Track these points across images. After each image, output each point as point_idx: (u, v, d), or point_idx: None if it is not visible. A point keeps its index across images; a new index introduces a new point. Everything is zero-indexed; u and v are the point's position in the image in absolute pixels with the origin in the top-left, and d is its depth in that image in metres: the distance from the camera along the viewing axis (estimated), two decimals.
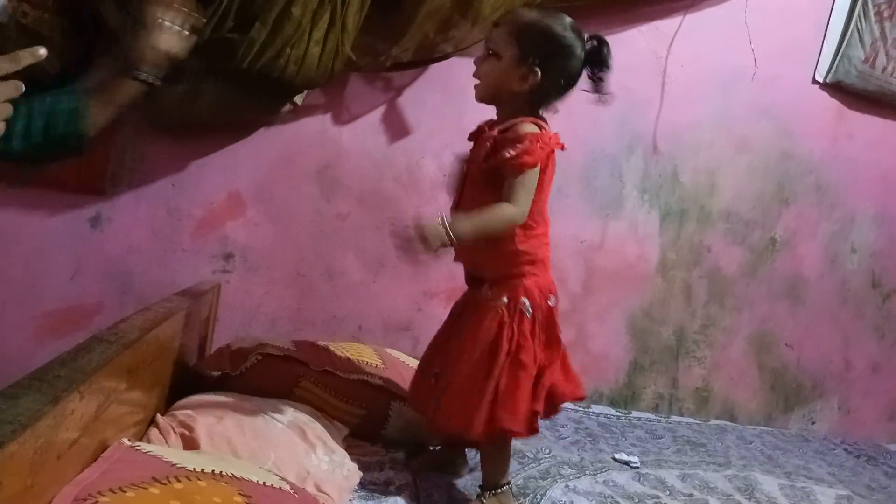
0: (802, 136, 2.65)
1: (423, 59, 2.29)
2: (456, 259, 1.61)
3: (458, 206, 1.55)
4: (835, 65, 2.57)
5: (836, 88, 2.63)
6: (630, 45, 2.47)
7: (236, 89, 2.06)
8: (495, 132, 1.47)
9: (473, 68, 1.51)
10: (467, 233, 1.36)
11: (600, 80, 1.50)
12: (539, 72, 1.43)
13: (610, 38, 2.37)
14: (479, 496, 1.51)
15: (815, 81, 2.62)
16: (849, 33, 2.55)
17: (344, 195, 2.36)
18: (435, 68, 2.32)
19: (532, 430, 1.48)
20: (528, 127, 1.45)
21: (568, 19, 1.47)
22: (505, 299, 1.48)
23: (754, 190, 2.65)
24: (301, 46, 1.93)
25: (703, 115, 2.57)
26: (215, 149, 2.27)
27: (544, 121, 1.51)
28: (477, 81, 1.50)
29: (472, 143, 1.59)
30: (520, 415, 1.45)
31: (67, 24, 2.14)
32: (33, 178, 2.13)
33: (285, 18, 1.84)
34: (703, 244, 2.62)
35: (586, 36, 1.49)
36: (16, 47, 2.07)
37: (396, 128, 2.37)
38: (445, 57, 2.28)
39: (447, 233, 1.32)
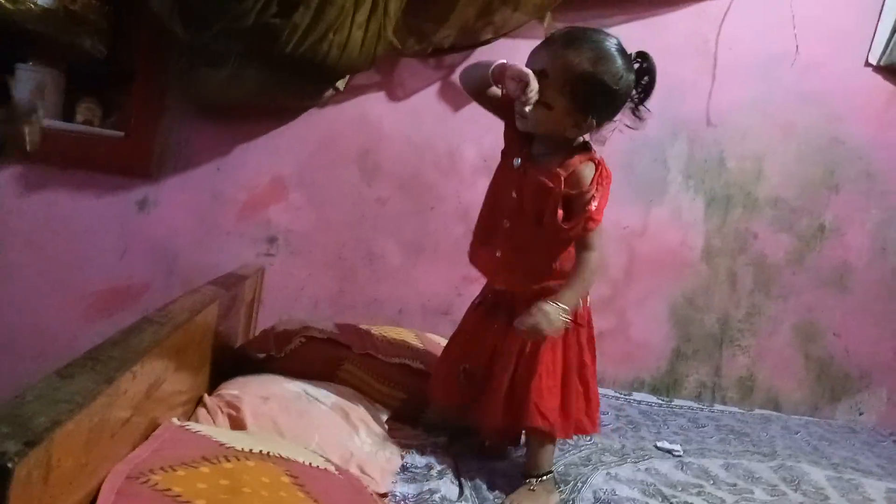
0: (853, 121, 2.58)
1: (465, 44, 2.28)
2: (496, 284, 1.63)
3: (520, 226, 1.52)
4: (890, 47, 2.48)
5: (891, 72, 2.53)
6: (675, 28, 2.42)
7: (279, 74, 2.07)
8: (559, 175, 1.42)
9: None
10: (576, 303, 1.45)
11: (642, 106, 1.46)
12: (595, 121, 1.42)
13: (655, 20, 2.40)
14: (525, 484, 1.51)
15: (868, 64, 2.54)
16: None
17: (384, 180, 2.36)
18: (477, 53, 2.30)
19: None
20: (589, 169, 1.43)
21: (615, 50, 1.38)
22: None
23: (802, 176, 2.58)
24: (344, 31, 1.93)
25: (751, 99, 2.51)
26: (258, 133, 2.30)
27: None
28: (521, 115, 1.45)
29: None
30: (594, 416, 1.56)
31: (113, 9, 2.17)
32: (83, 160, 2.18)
33: (328, 3, 1.84)
34: (748, 231, 2.57)
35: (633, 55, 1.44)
36: (65, 33, 2.13)
37: (454, 102, 2.36)
38: (487, 42, 2.27)
39: (564, 316, 1.40)
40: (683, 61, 2.45)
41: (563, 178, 1.42)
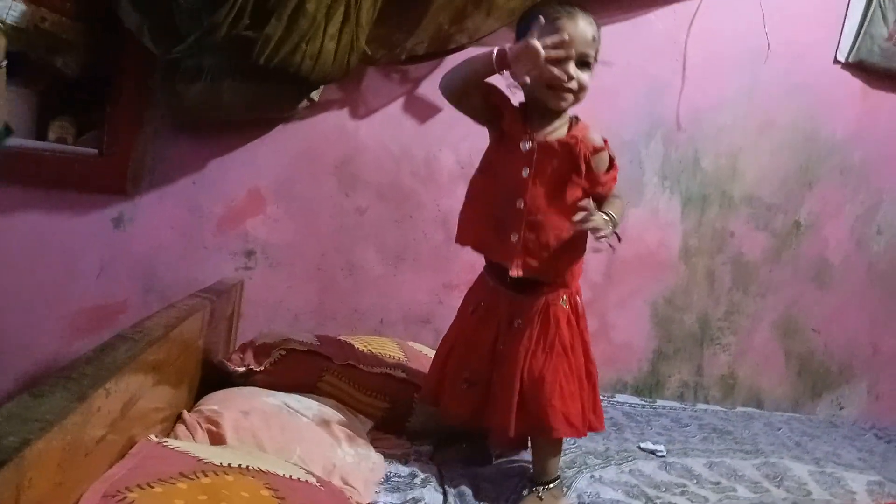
0: (826, 117, 2.61)
1: (439, 50, 2.28)
2: (528, 273, 1.52)
3: (535, 203, 1.49)
4: (857, 44, 2.52)
5: (859, 68, 2.58)
6: (647, 29, 2.44)
7: (254, 86, 2.07)
8: (579, 141, 1.47)
9: None
10: (619, 219, 1.46)
11: None
12: None
13: (627, 23, 2.42)
14: (533, 492, 1.51)
15: (836, 61, 2.58)
16: (871, 11, 2.50)
17: (363, 189, 2.36)
18: (450, 60, 2.31)
19: None
20: (597, 134, 1.49)
21: None
22: (565, 297, 1.55)
23: (777, 173, 2.61)
24: (316, 42, 1.93)
25: (724, 98, 2.54)
26: (234, 146, 2.28)
27: None
28: (572, 95, 1.48)
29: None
30: (600, 414, 1.59)
31: (86, 27, 2.16)
32: (57, 179, 2.16)
33: (300, 14, 1.84)
34: (725, 230, 2.59)
35: None
36: (35, 52, 2.11)
37: (420, 115, 2.36)
38: (461, 48, 2.27)
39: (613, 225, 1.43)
40: (657, 63, 2.47)
41: (579, 139, 1.47)
